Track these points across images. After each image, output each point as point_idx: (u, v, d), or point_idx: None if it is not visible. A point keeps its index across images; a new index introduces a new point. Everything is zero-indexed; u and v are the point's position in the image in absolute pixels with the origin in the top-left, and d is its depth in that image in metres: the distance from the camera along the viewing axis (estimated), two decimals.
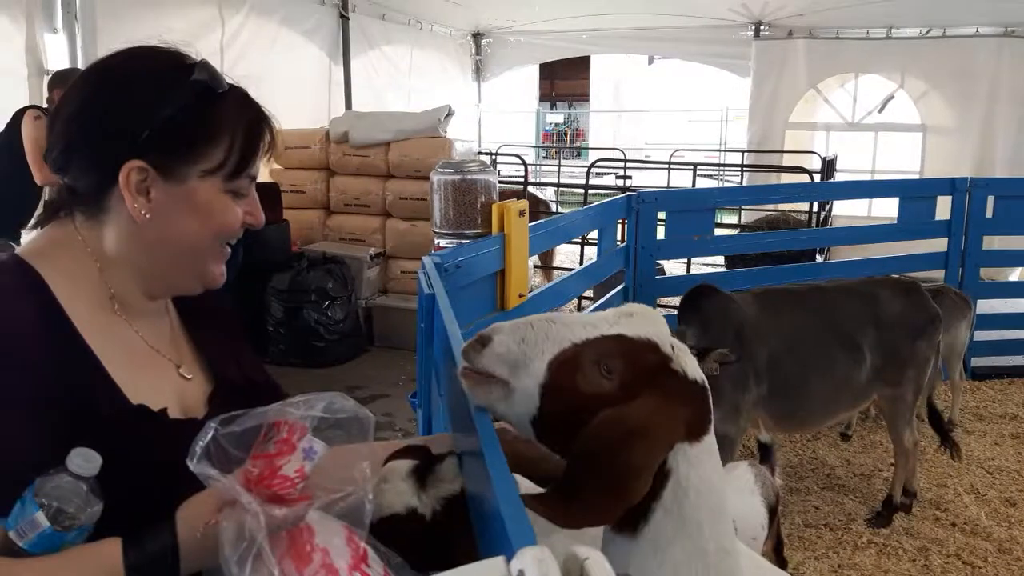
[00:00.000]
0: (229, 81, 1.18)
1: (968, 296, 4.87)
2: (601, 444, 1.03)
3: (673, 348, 1.13)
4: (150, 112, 1.10)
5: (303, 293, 6.05)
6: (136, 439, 1.07)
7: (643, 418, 1.04)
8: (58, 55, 5.41)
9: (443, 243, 2.94)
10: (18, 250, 1.17)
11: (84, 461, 0.96)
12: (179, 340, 1.29)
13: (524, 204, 3.01)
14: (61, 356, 1.06)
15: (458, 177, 2.91)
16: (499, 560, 0.65)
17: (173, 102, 1.11)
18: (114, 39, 1.17)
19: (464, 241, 2.93)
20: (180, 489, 1.02)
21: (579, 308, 6.28)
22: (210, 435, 0.95)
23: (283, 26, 7.39)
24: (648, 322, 1.16)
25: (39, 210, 1.29)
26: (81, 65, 5.33)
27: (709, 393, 1.14)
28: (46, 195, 4.93)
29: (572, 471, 1.03)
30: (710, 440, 1.10)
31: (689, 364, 1.12)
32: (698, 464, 1.06)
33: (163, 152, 1.11)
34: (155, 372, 1.20)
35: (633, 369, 1.09)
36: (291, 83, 7.43)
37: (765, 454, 2.69)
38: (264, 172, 6.98)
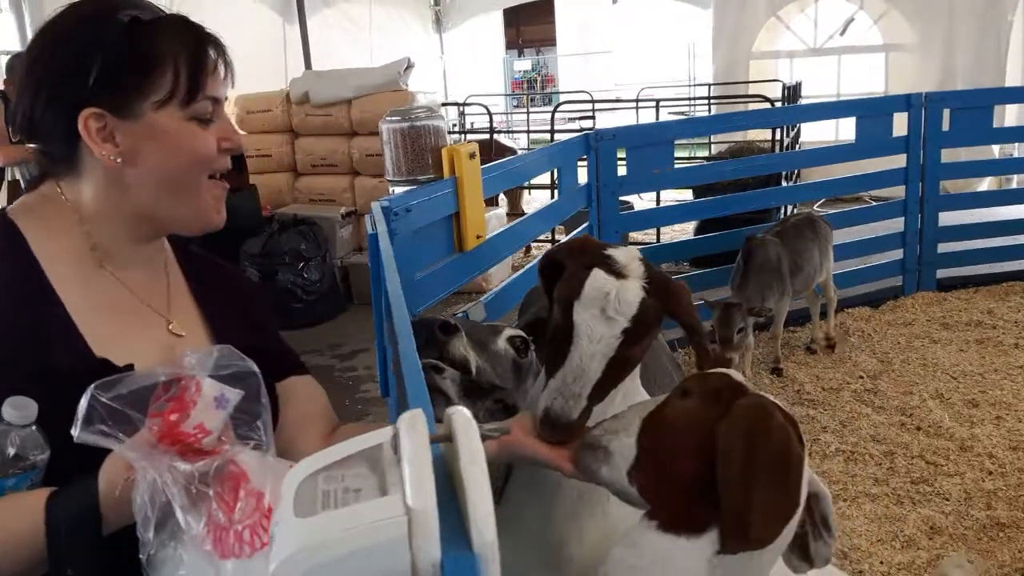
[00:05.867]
0: (169, 13, 1.18)
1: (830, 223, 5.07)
2: (757, 443, 1.14)
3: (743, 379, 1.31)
4: (89, 57, 1.10)
5: (277, 256, 6.10)
6: None
7: (768, 413, 1.17)
8: (7, 34, 5.37)
9: (398, 191, 2.99)
10: (7, 208, 1.18)
11: (14, 409, 0.97)
12: (178, 298, 1.29)
13: (474, 147, 3.06)
14: (24, 307, 1.07)
15: (406, 124, 2.94)
16: (389, 428, 0.74)
17: (107, 41, 1.10)
18: None
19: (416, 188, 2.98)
20: None
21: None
22: (87, 401, 0.93)
23: None
24: (721, 369, 1.35)
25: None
26: None
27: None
28: (8, 176, 4.94)
29: (732, 492, 1.12)
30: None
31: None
32: None
33: (112, 93, 1.11)
34: (139, 326, 1.20)
35: (708, 386, 1.25)
36: (245, 46, 7.24)
37: None
38: None
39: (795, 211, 7.24)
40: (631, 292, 1.54)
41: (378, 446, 0.73)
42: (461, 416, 0.70)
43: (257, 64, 7.52)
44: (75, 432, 0.93)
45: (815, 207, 8.25)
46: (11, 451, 0.97)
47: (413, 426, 0.67)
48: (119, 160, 1.12)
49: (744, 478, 1.11)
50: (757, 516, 1.11)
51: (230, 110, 7.02)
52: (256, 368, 1.02)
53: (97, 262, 1.18)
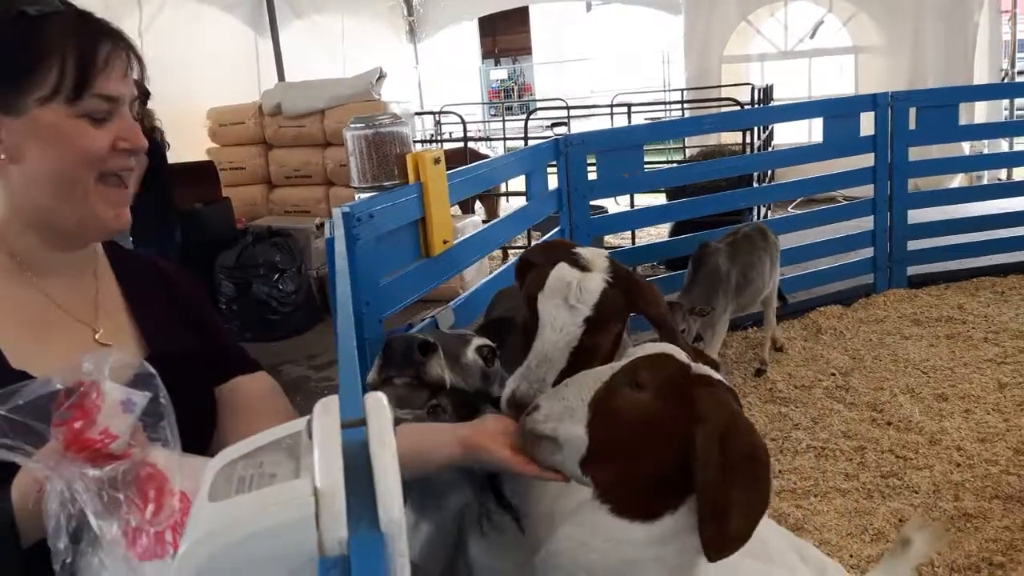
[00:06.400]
0: (71, 8, 1.14)
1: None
2: (730, 449, 1.15)
3: (687, 358, 1.31)
4: None
5: (251, 268, 6.08)
6: None
7: (734, 410, 1.19)
8: None
9: (363, 197, 3.00)
10: None
11: None
12: (108, 305, 1.25)
13: (439, 152, 3.08)
14: None
15: (371, 131, 2.95)
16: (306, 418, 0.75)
17: None
18: None
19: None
20: None
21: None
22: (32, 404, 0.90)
23: (203, 3, 7.33)
24: (660, 348, 1.34)
25: None
26: None
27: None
28: None
29: (712, 495, 1.13)
30: None
31: (704, 368, 1.29)
32: None
33: None
34: (62, 337, 1.16)
35: (660, 376, 1.24)
36: (218, 60, 7.41)
37: None
38: (200, 151, 7.00)
39: (768, 212, 7.32)
40: (593, 282, 1.59)
41: (297, 433, 0.74)
42: (373, 400, 0.71)
43: (230, 77, 7.54)
44: None
45: (790, 207, 8.33)
46: None
47: (325, 411, 0.69)
48: (2, 156, 1.10)
49: (721, 480, 1.13)
50: (735, 515, 1.12)
51: (203, 123, 7.01)
52: (151, 369, 0.97)
53: (19, 271, 1.15)
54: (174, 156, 5.59)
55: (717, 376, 1.29)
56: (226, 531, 0.64)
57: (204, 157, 6.96)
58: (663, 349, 1.35)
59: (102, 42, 1.13)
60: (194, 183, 6.05)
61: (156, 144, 5.29)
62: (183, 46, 6.76)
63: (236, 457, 0.73)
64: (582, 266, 1.64)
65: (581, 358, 1.53)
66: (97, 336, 1.20)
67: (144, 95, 4.82)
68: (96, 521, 0.87)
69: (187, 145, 6.53)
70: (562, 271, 1.61)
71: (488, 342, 1.77)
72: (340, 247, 1.74)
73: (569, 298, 1.56)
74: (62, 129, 1.10)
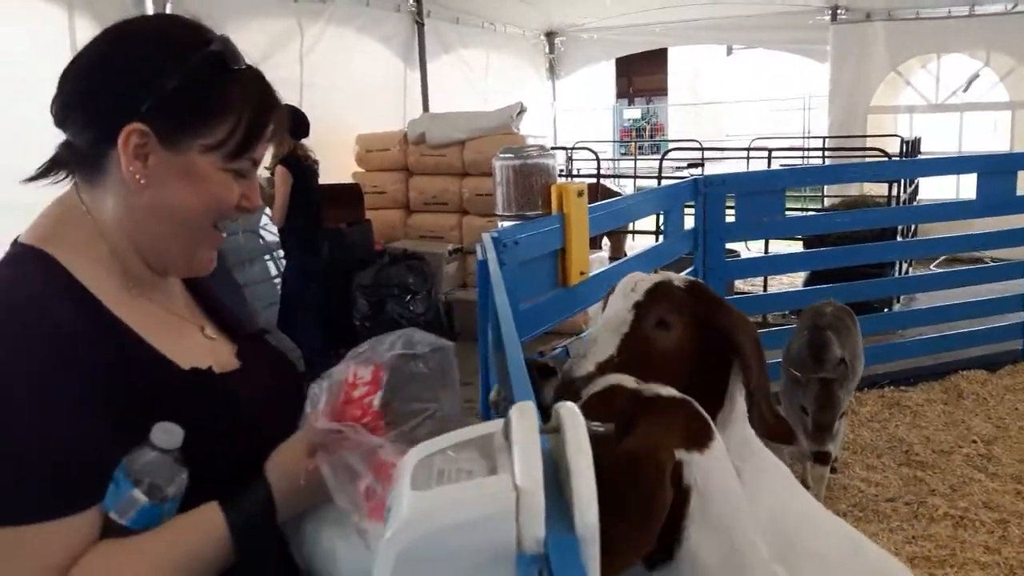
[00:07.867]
0: (249, 65, 1.17)
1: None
2: (612, 487, 1.11)
3: (637, 381, 1.26)
4: (159, 77, 1.08)
5: (386, 288, 6.29)
6: (199, 402, 1.09)
7: (634, 447, 1.11)
8: None
9: (506, 225, 3.08)
10: (24, 237, 1.12)
11: (166, 435, 0.99)
12: (191, 304, 1.29)
13: (583, 185, 3.13)
14: (104, 341, 1.05)
15: (519, 162, 3.04)
16: (499, 420, 0.79)
17: (184, 70, 1.08)
18: None
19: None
20: (254, 441, 1.10)
21: None
22: (324, 390, 1.05)
23: (361, 33, 7.70)
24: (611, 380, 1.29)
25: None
26: None
27: (695, 404, 1.22)
28: None
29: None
30: (718, 446, 1.17)
31: (660, 387, 1.23)
32: (711, 471, 1.13)
33: (167, 119, 1.08)
34: (187, 338, 1.20)
35: (615, 416, 1.17)
36: (369, 88, 7.75)
37: None
38: (346, 173, 7.32)
39: (910, 268, 7.03)
40: (656, 278, 1.59)
41: (489, 435, 0.78)
42: (568, 409, 0.74)
43: (379, 105, 7.87)
44: (317, 424, 1.04)
45: (932, 266, 7.99)
46: (165, 476, 0.99)
47: (523, 414, 0.72)
48: (143, 181, 1.10)
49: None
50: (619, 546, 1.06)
51: (351, 146, 7.35)
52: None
53: (132, 287, 1.16)
54: (323, 177, 5.86)
55: (666, 392, 1.22)
56: (433, 518, 0.68)
57: (350, 179, 7.27)
58: (611, 381, 1.29)
59: (273, 113, 1.17)
60: (341, 204, 6.33)
61: (314, 173, 5.60)
62: (339, 72, 7.12)
63: (433, 451, 0.78)
64: (662, 276, 1.64)
65: (636, 350, 1.50)
66: (205, 332, 1.26)
67: (306, 130, 5.08)
68: (384, 492, 0.94)
69: (335, 167, 6.82)
70: (634, 274, 1.64)
71: None
72: (494, 267, 1.81)
73: (628, 290, 1.57)
74: (212, 178, 1.13)
